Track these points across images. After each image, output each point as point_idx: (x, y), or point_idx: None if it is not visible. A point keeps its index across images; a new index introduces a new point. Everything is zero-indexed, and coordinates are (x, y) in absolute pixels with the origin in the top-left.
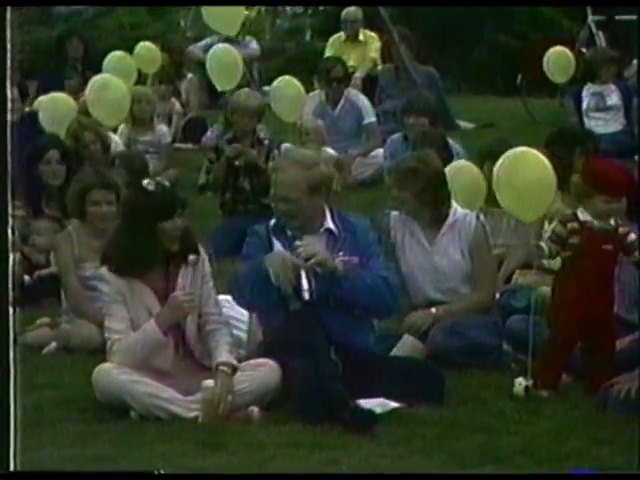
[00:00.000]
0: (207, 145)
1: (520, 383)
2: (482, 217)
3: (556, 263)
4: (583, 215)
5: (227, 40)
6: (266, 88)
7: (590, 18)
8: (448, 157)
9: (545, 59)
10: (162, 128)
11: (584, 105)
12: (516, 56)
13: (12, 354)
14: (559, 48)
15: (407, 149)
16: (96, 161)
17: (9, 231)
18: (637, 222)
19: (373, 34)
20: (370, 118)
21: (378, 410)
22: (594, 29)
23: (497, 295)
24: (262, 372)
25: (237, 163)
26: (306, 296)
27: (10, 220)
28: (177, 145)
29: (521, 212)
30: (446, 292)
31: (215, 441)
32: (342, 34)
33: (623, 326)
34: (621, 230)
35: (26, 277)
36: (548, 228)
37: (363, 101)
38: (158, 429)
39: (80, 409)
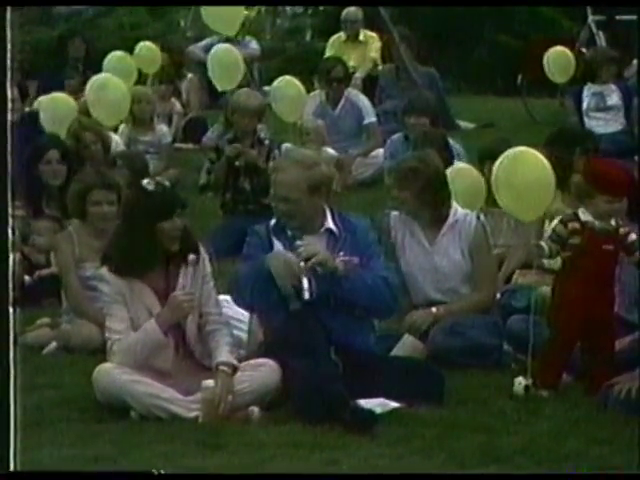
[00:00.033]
0: (207, 145)
1: (520, 382)
2: (482, 217)
3: (556, 263)
4: (584, 215)
5: (227, 40)
6: (266, 88)
7: (590, 18)
8: (448, 157)
9: (545, 59)
10: (162, 128)
11: (584, 105)
12: (516, 56)
13: (12, 354)
14: (559, 48)
15: (408, 149)
16: (97, 161)
17: (9, 231)
18: (638, 222)
19: (373, 34)
20: (370, 118)
21: (378, 410)
22: (594, 29)
23: (497, 295)
24: (262, 372)
25: (237, 163)
26: (306, 296)
27: (10, 220)
28: (177, 145)
29: (520, 212)
30: (446, 292)
31: (215, 441)
32: (342, 34)
33: (623, 326)
34: (622, 230)
35: (26, 277)
36: (548, 228)
37: (363, 101)
38: (158, 429)
39: (80, 409)
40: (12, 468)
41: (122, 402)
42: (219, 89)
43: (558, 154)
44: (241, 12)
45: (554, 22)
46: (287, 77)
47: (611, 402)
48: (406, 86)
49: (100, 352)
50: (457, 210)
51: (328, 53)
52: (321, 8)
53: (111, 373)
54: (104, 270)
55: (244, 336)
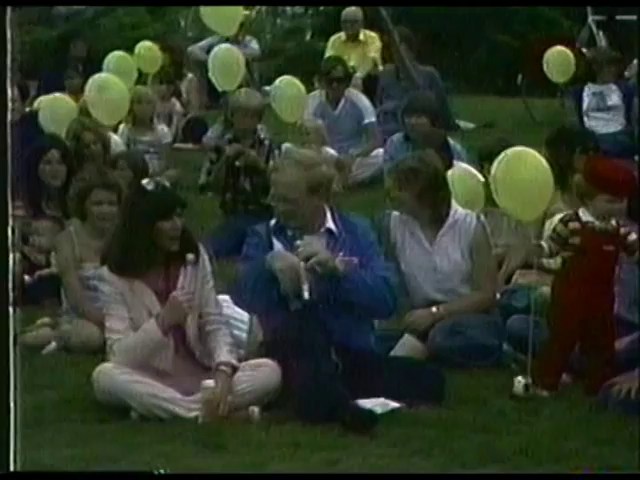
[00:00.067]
0: (207, 145)
1: (519, 381)
2: (482, 217)
3: (556, 263)
4: (585, 215)
5: (227, 40)
6: (266, 88)
7: (590, 18)
8: (448, 157)
9: (545, 59)
10: (162, 128)
11: (584, 105)
12: (516, 56)
13: (12, 354)
14: (559, 48)
15: (407, 149)
16: (97, 161)
17: (9, 231)
18: (638, 222)
19: (373, 34)
20: (370, 118)
21: (378, 410)
22: (594, 29)
23: (497, 295)
24: (262, 372)
25: (237, 163)
26: (306, 296)
27: (10, 220)
28: (177, 145)
29: (519, 212)
30: (446, 292)
31: (215, 441)
32: (342, 34)
33: (623, 326)
34: (622, 230)
35: (26, 277)
36: (548, 228)
37: (363, 101)
38: (158, 429)
39: (80, 409)
40: (12, 468)
41: (122, 402)
42: (220, 89)
43: (558, 154)
44: (239, 12)
45: (554, 22)
46: (287, 77)
47: (611, 402)
48: (406, 86)
49: (100, 352)
50: (457, 210)
51: (328, 53)
52: (321, 8)
53: (111, 373)
54: (104, 270)
55: (244, 336)
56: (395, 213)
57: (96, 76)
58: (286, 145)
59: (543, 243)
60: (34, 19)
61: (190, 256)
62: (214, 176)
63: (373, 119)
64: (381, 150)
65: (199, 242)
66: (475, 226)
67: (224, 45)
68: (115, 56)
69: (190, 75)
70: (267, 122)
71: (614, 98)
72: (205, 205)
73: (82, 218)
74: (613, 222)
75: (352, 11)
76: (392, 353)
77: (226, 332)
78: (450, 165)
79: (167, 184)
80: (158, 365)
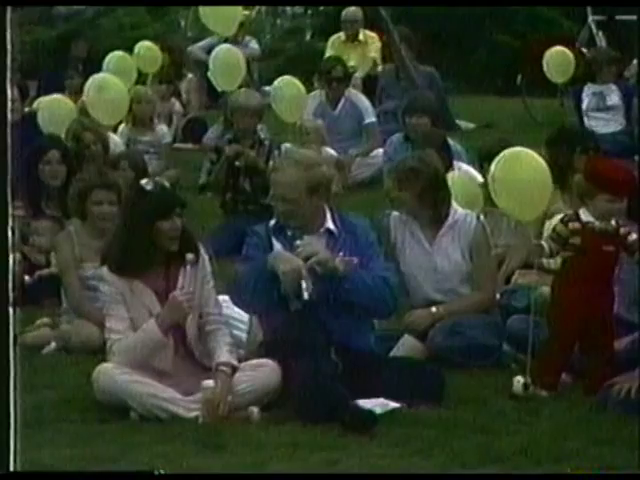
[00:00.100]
0: (207, 145)
1: (519, 380)
2: (482, 217)
3: (556, 263)
4: (585, 215)
5: (227, 40)
6: (266, 88)
7: (590, 18)
8: (448, 157)
9: (545, 59)
10: (162, 128)
11: (584, 105)
12: (516, 56)
13: (12, 354)
14: (559, 48)
15: (407, 149)
16: (97, 161)
17: (9, 231)
18: (638, 222)
19: (373, 34)
20: (370, 118)
21: (378, 410)
22: (594, 29)
23: (497, 295)
24: (262, 372)
25: (237, 163)
26: (306, 296)
27: (10, 220)
28: (177, 145)
29: (518, 212)
30: (446, 292)
31: (215, 441)
32: (342, 34)
33: (623, 326)
34: (622, 230)
35: (26, 277)
36: (548, 228)
37: (363, 101)
38: (158, 429)
39: (80, 409)
40: (12, 468)
41: (122, 402)
42: (220, 89)
43: (558, 154)
44: (239, 12)
45: (554, 22)
46: (287, 77)
47: (611, 402)
48: (406, 86)
49: (100, 352)
50: (457, 210)
51: (328, 53)
52: (321, 8)
53: (111, 373)
54: (104, 270)
55: (244, 336)
56: (395, 213)
57: (96, 76)
58: (286, 145)
59: (543, 243)
60: (34, 19)
61: (190, 256)
62: (214, 176)
63: (373, 119)
64: (381, 150)
65: (199, 242)
66: (475, 226)
67: (225, 45)
68: (115, 56)
69: (190, 75)
70: (267, 122)
71: (614, 98)
72: (205, 205)
73: (82, 218)
74: (613, 222)
75: (352, 11)
76: (392, 353)
77: (226, 332)
78: (450, 165)
79: (167, 184)
80: (158, 365)
